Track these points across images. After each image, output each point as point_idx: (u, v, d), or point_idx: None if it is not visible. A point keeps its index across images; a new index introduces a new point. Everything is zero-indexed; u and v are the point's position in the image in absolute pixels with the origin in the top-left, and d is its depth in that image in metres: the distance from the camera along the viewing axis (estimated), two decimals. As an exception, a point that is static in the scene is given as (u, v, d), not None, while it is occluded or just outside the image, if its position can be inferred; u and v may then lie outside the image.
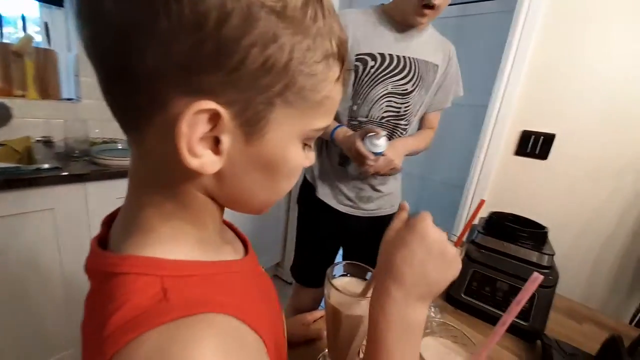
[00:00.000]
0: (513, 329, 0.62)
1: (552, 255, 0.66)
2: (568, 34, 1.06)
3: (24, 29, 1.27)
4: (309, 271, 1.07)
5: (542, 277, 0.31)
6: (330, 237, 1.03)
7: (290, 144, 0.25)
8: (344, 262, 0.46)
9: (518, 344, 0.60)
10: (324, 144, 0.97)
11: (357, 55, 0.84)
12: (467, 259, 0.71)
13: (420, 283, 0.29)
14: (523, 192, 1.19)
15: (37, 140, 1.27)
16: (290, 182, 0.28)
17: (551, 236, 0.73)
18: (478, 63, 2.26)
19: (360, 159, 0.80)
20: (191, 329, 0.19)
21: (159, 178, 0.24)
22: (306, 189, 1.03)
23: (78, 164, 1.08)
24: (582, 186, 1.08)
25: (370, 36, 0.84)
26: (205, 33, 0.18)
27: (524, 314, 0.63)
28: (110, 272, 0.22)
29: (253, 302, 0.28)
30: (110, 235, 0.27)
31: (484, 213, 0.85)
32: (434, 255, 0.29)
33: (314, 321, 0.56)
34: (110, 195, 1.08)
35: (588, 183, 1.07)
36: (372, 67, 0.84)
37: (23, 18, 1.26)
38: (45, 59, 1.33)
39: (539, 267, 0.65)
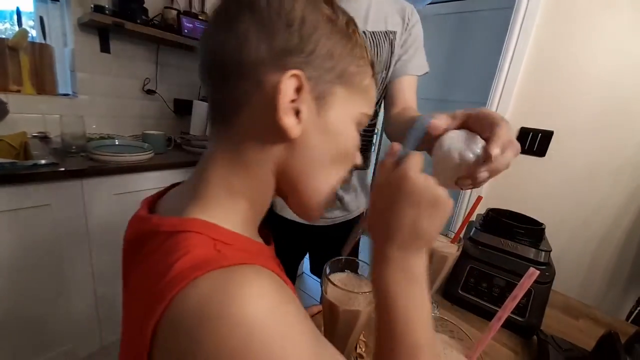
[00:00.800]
0: (509, 325, 0.62)
1: (549, 251, 0.66)
2: (567, 30, 1.05)
3: (19, 23, 1.25)
4: None
5: (538, 272, 0.31)
6: (294, 249, 0.93)
7: (349, 124, 0.32)
8: (341, 258, 0.46)
9: (514, 339, 0.60)
10: None
11: None
12: (465, 255, 0.71)
13: (415, 237, 0.29)
14: (521, 189, 1.19)
15: (34, 135, 1.26)
16: (346, 165, 0.34)
17: (548, 233, 0.73)
18: (476, 60, 2.27)
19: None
20: (246, 272, 0.23)
21: (238, 154, 0.30)
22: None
23: (75, 160, 1.07)
24: (579, 183, 1.09)
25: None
26: (293, 29, 0.27)
27: (520, 310, 0.64)
28: (171, 231, 0.26)
29: None
30: (160, 207, 0.33)
31: (481, 210, 0.86)
32: (424, 207, 0.28)
33: (311, 316, 0.56)
34: (107, 191, 1.08)
35: (586, 180, 1.07)
36: None
37: (18, 12, 1.25)
38: (41, 54, 1.32)
39: (535, 263, 0.65)
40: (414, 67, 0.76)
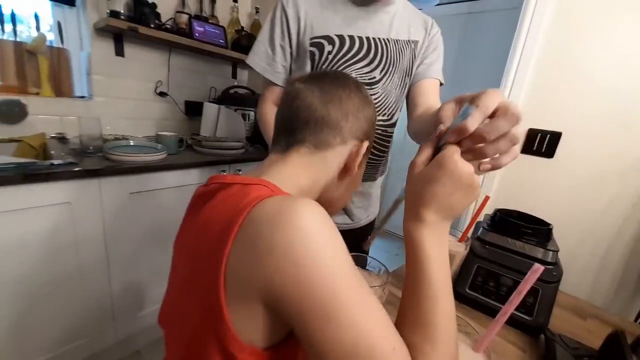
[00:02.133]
0: (517, 324, 0.63)
1: (556, 251, 0.66)
2: (575, 31, 1.05)
3: (37, 28, 1.30)
4: None
5: (542, 267, 0.33)
6: None
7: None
8: (351, 254, 0.48)
9: (522, 338, 0.61)
10: None
11: (313, 39, 0.71)
12: (472, 255, 0.72)
13: (449, 208, 0.34)
14: (529, 190, 1.19)
15: (52, 136, 1.31)
16: (355, 185, 0.53)
17: (557, 234, 0.73)
18: (485, 60, 2.26)
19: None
20: (303, 200, 0.31)
21: (309, 172, 0.44)
22: None
23: (92, 160, 1.11)
24: (588, 185, 1.08)
25: (326, 15, 0.70)
26: (360, 114, 0.45)
27: (528, 309, 0.64)
28: (245, 183, 0.37)
29: None
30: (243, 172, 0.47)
31: (489, 210, 0.86)
32: (461, 186, 0.32)
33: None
34: (122, 189, 1.11)
35: (594, 181, 1.07)
36: (329, 52, 0.71)
37: (36, 17, 1.29)
38: (58, 58, 1.37)
39: (543, 262, 0.65)
40: (435, 70, 0.80)
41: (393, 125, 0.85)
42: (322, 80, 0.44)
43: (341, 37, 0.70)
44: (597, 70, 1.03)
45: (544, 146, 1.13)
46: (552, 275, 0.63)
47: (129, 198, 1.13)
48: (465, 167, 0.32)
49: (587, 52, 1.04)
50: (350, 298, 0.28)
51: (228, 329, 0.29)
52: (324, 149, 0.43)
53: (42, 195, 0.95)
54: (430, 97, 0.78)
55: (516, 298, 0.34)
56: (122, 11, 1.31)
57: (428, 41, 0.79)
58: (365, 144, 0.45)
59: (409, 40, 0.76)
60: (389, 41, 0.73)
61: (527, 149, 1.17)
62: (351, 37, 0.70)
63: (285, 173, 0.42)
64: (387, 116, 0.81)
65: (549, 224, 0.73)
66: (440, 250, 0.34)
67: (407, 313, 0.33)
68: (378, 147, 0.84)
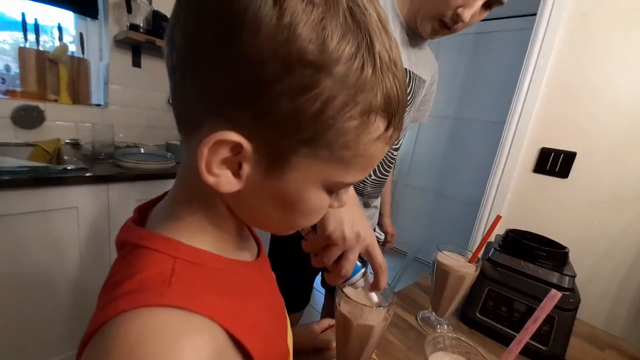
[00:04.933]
0: (532, 353, 0.59)
1: (573, 277, 0.63)
2: (588, 50, 1.04)
3: (60, 38, 1.36)
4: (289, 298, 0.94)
5: (560, 294, 0.30)
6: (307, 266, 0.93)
7: (310, 188, 0.25)
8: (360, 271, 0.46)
9: (536, 368, 0.57)
10: None
11: None
12: (483, 277, 0.69)
13: None
14: (542, 211, 1.15)
15: (66, 142, 1.34)
16: (309, 220, 0.28)
17: (572, 258, 0.70)
18: (495, 79, 2.26)
19: None
20: (175, 326, 0.20)
21: (194, 179, 0.25)
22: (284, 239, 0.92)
23: (102, 166, 1.13)
24: (604, 206, 1.04)
25: None
26: (244, 74, 0.20)
27: (543, 338, 0.60)
28: (137, 244, 0.25)
29: (251, 307, 0.28)
30: (149, 217, 0.30)
31: (500, 230, 0.84)
32: None
33: (322, 331, 0.56)
34: (130, 196, 1.12)
35: (611, 203, 1.03)
36: None
37: (59, 28, 1.35)
38: (78, 67, 1.42)
39: (559, 288, 0.62)
40: (422, 115, 0.90)
41: (398, 149, 0.90)
42: None
43: None
44: (612, 88, 1.01)
45: (558, 166, 1.10)
46: (569, 303, 0.60)
47: (135, 204, 1.14)
48: None
49: (600, 70, 1.03)
50: None
51: None
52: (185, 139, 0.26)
53: (51, 199, 0.97)
54: None
55: (532, 326, 0.32)
56: (141, 24, 1.37)
57: (430, 89, 0.85)
58: (220, 136, 0.21)
59: (423, 79, 0.80)
60: (415, 76, 0.75)
61: (540, 168, 1.14)
62: None
63: (183, 205, 0.28)
64: (398, 143, 0.86)
65: (564, 247, 0.69)
66: None
67: None
68: (384, 167, 0.87)
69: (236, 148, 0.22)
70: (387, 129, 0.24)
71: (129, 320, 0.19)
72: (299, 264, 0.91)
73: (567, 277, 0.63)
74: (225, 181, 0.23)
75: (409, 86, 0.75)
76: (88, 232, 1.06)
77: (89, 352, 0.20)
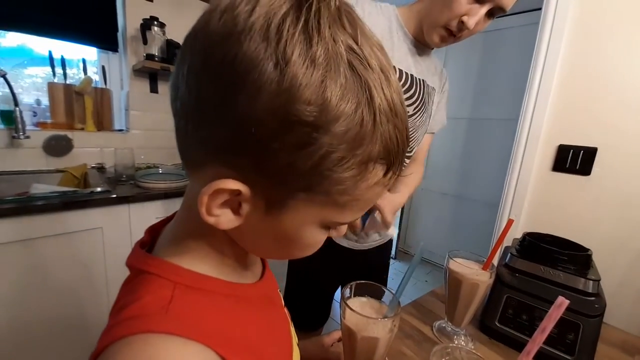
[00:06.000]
0: (556, 364, 0.56)
1: (598, 280, 0.59)
2: (602, 38, 1.00)
3: (85, 70, 1.47)
4: (305, 316, 0.89)
5: (567, 301, 0.29)
6: (329, 277, 0.91)
7: (308, 227, 0.26)
8: (365, 282, 0.46)
9: (563, 380, 0.54)
10: None
11: None
12: (500, 284, 0.67)
13: None
14: (564, 211, 1.09)
15: (92, 166, 1.43)
16: (304, 252, 0.29)
17: (599, 261, 0.66)
18: (506, 77, 2.21)
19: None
20: (170, 353, 0.21)
21: (195, 209, 0.25)
22: None
23: (124, 187, 1.19)
24: (630, 205, 0.98)
25: (385, 45, 0.75)
26: (242, 131, 0.20)
27: (568, 347, 0.57)
28: (141, 269, 0.27)
29: (250, 329, 0.29)
30: (159, 239, 0.31)
31: (518, 234, 0.80)
32: None
33: (332, 343, 0.55)
34: (150, 214, 1.17)
35: (638, 201, 0.96)
36: None
37: (84, 62, 1.47)
38: (102, 97, 1.52)
39: (582, 293, 0.59)
40: (436, 124, 0.89)
41: (410, 157, 0.88)
42: None
43: (398, 70, 0.73)
44: (628, 80, 0.96)
45: (578, 163, 1.05)
46: (594, 308, 0.56)
47: (154, 222, 1.19)
48: None
49: (615, 60, 0.98)
50: None
51: None
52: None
53: (78, 221, 1.03)
54: (422, 150, 0.91)
55: (540, 336, 0.31)
56: (156, 54, 1.46)
57: (442, 94, 0.85)
58: (222, 184, 0.22)
59: (433, 87, 0.81)
60: (424, 83, 0.77)
61: (559, 166, 1.09)
62: (400, 71, 0.73)
63: (186, 231, 0.29)
64: (409, 149, 0.84)
65: (587, 249, 0.66)
66: None
67: None
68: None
69: (235, 192, 0.23)
70: (385, 174, 0.24)
71: (128, 346, 0.21)
72: (318, 279, 0.93)
73: (592, 282, 0.59)
74: (225, 220, 0.24)
75: (418, 93, 0.76)
76: (112, 251, 1.11)
77: None
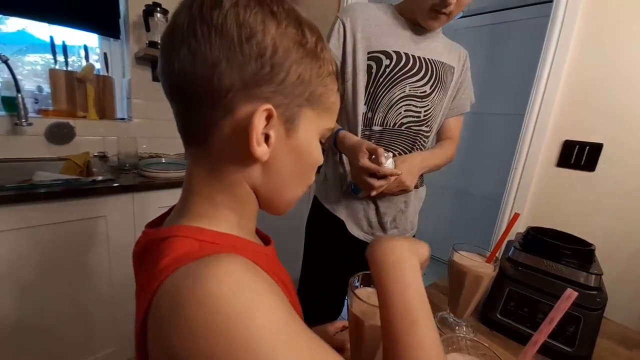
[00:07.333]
0: (558, 355, 0.57)
1: (600, 275, 0.60)
2: (612, 34, 0.99)
3: (86, 58, 1.45)
4: (317, 311, 0.88)
5: (576, 294, 0.30)
6: (343, 273, 0.91)
7: (313, 139, 0.35)
8: (368, 272, 0.46)
9: (562, 371, 0.55)
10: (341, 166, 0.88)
11: (370, 53, 0.77)
12: (503, 277, 0.67)
13: (401, 246, 0.37)
14: (567, 206, 1.10)
15: (95, 155, 1.42)
16: (312, 174, 0.37)
17: (601, 256, 0.66)
18: (513, 71, 2.18)
19: (364, 177, 0.72)
20: (219, 257, 0.24)
21: (215, 175, 0.31)
22: (321, 214, 0.90)
23: (128, 176, 1.19)
24: (635, 200, 0.98)
25: (384, 33, 0.78)
26: (265, 59, 0.28)
27: (568, 339, 0.58)
28: (161, 237, 0.29)
29: (274, 276, 0.31)
30: (166, 222, 0.35)
31: (522, 228, 0.81)
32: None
33: (336, 332, 0.56)
34: (153, 203, 1.18)
35: (643, 197, 0.97)
36: (387, 66, 0.77)
37: (85, 48, 1.45)
38: (104, 84, 1.51)
39: (584, 287, 0.59)
40: (465, 105, 0.92)
41: (428, 136, 0.89)
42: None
43: (398, 54, 0.77)
44: (638, 77, 0.95)
45: (583, 159, 1.05)
46: (596, 302, 0.57)
47: (159, 211, 1.19)
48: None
49: (624, 56, 0.97)
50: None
51: None
52: (205, 136, 0.30)
53: (82, 209, 1.03)
54: (454, 131, 0.93)
55: (547, 327, 0.31)
56: (159, 41, 1.44)
57: (463, 75, 0.88)
58: (268, 107, 0.28)
59: (450, 65, 0.84)
60: (436, 62, 0.81)
61: (564, 162, 1.09)
62: (406, 55, 0.77)
63: (200, 203, 0.32)
64: (429, 127, 0.85)
65: (590, 244, 0.66)
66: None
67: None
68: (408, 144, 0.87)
69: (268, 118, 0.29)
70: (338, 86, 0.35)
71: (182, 269, 0.24)
72: (331, 275, 0.92)
73: (594, 276, 0.60)
74: (265, 150, 0.29)
75: (431, 72, 0.80)
76: (116, 239, 1.12)
77: (160, 304, 0.23)
